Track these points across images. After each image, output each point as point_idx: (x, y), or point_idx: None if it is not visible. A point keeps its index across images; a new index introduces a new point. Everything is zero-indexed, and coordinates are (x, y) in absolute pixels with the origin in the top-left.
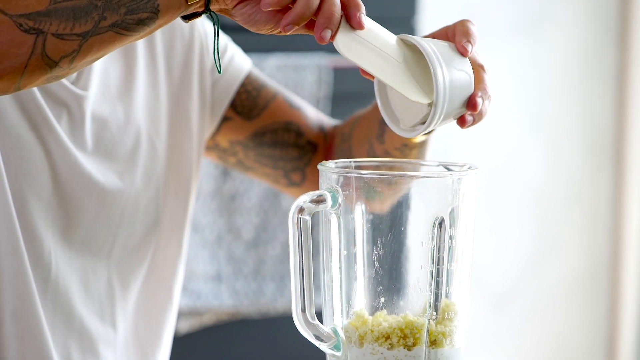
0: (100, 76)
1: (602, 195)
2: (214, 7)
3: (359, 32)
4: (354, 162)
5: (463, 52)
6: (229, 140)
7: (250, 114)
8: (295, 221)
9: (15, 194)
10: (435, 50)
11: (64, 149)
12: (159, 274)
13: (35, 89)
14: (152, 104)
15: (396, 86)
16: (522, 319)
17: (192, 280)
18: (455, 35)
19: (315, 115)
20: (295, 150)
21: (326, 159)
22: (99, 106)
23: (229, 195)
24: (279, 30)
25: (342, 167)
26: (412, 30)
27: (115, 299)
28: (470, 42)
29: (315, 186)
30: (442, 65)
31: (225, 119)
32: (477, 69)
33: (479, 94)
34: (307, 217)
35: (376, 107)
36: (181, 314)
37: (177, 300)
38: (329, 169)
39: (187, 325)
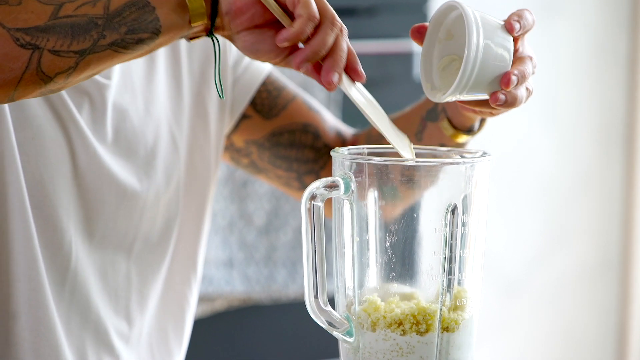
0: (122, 65)
1: (612, 184)
2: (218, 32)
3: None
4: (367, 148)
5: (509, 29)
6: (245, 139)
7: (269, 113)
8: (308, 207)
9: (37, 185)
10: (477, 17)
11: (84, 140)
12: (179, 273)
13: None
14: (174, 97)
15: (381, 128)
16: (533, 306)
17: (204, 266)
18: (509, 15)
19: (332, 120)
20: (312, 152)
21: None
22: (121, 96)
23: (241, 182)
24: (277, 61)
25: (355, 154)
26: (424, 17)
27: (131, 293)
28: (520, 22)
29: None
30: (480, 30)
31: (244, 117)
32: (525, 57)
33: (515, 72)
34: (320, 204)
35: (418, 107)
36: None
37: (195, 297)
38: (342, 156)
39: (198, 311)
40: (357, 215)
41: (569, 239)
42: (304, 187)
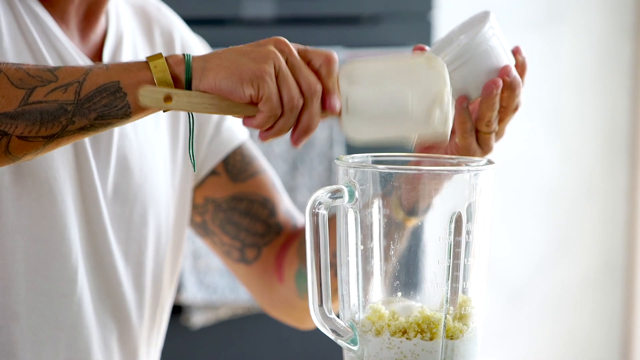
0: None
1: (617, 191)
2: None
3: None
4: (372, 156)
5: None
6: (205, 196)
7: (237, 176)
8: (312, 216)
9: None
10: (498, 35)
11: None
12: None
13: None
14: (173, 139)
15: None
16: (536, 314)
17: (208, 274)
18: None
19: (289, 205)
20: (263, 227)
21: (286, 246)
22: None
23: None
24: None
25: (359, 162)
26: (428, 25)
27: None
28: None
29: (265, 270)
30: (494, 36)
31: (213, 173)
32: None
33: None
34: (324, 212)
35: None
36: (197, 308)
37: (165, 322)
38: (347, 164)
39: (202, 319)
40: (361, 224)
41: (573, 247)
42: (243, 259)
